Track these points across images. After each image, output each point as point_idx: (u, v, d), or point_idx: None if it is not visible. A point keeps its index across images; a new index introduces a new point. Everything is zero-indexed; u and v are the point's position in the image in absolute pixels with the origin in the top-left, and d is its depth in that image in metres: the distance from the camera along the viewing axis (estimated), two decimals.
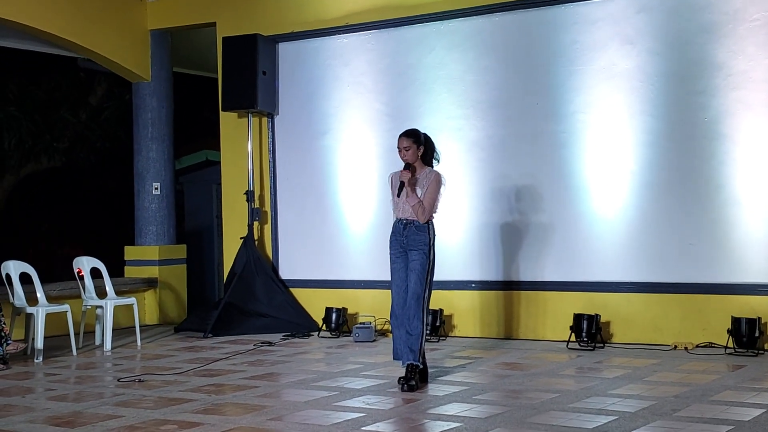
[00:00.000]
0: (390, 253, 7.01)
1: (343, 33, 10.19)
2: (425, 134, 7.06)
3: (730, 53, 8.41)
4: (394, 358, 7.03)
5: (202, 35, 11.82)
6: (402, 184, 6.86)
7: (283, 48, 10.58)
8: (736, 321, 8.05)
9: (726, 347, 8.07)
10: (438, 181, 6.91)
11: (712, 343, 8.29)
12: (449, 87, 9.62)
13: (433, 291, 7.02)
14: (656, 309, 8.65)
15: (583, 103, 9.00)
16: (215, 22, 10.97)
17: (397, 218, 7.01)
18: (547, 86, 9.17)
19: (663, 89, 8.68)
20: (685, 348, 8.31)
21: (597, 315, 8.58)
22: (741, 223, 8.36)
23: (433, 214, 6.97)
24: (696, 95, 8.53)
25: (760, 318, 8.03)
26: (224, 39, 10.55)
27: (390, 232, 7.06)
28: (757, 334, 7.97)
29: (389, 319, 7.12)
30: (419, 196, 6.87)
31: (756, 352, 7.93)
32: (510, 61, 9.36)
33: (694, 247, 8.51)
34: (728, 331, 8.07)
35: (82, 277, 9.55)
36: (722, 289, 8.36)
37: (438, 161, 7.09)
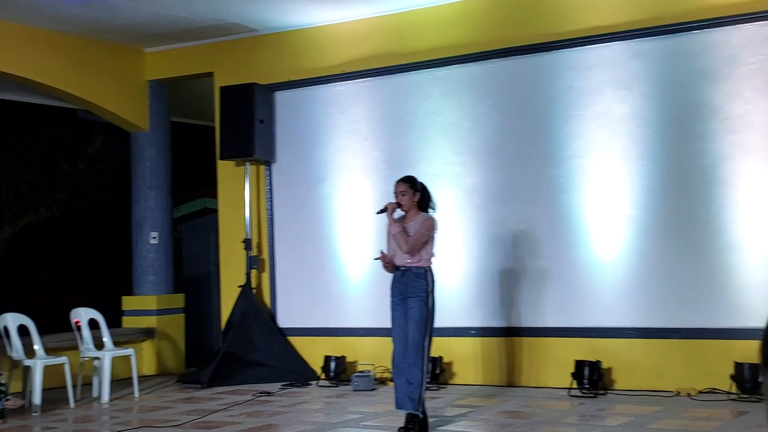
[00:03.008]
0: (390, 301, 7.01)
1: (340, 81, 10.23)
2: (422, 183, 7.10)
3: (726, 97, 8.42)
4: (396, 407, 6.97)
5: (199, 84, 11.86)
6: (384, 210, 6.95)
7: (280, 96, 10.61)
8: (738, 366, 7.98)
9: (729, 393, 7.99)
10: (429, 222, 6.95)
11: (715, 389, 8.20)
12: (446, 133, 9.63)
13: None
14: (658, 354, 8.58)
15: (580, 148, 9.00)
16: (212, 72, 11.01)
17: (395, 266, 7.00)
18: (543, 132, 9.18)
19: (660, 134, 8.68)
20: (688, 394, 8.23)
21: (598, 361, 8.51)
22: (741, 267, 8.31)
23: (431, 259, 6.98)
24: (693, 139, 8.54)
25: None
26: (222, 88, 10.58)
27: (389, 279, 7.06)
28: (760, 380, 7.88)
29: (390, 367, 7.06)
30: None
31: (759, 397, 7.83)
32: (506, 107, 9.38)
33: (694, 291, 8.46)
34: (731, 376, 7.99)
35: (79, 328, 9.50)
36: (724, 334, 8.29)
37: (434, 210, 7.11)
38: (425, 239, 6.93)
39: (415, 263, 6.93)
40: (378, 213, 7.17)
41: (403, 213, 7.06)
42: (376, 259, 7.11)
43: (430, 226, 6.96)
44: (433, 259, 7.02)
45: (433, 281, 6.96)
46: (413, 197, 7.00)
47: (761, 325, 8.14)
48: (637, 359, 8.65)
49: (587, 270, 8.90)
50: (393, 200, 7.08)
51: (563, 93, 9.08)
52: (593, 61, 8.96)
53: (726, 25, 8.42)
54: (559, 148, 9.09)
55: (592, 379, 8.44)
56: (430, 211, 7.10)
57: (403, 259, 6.94)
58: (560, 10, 9.13)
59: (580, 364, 8.51)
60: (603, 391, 8.48)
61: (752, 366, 7.92)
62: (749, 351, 8.05)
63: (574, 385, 8.49)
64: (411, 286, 6.90)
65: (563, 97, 9.08)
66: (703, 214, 8.47)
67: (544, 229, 9.11)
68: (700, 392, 8.24)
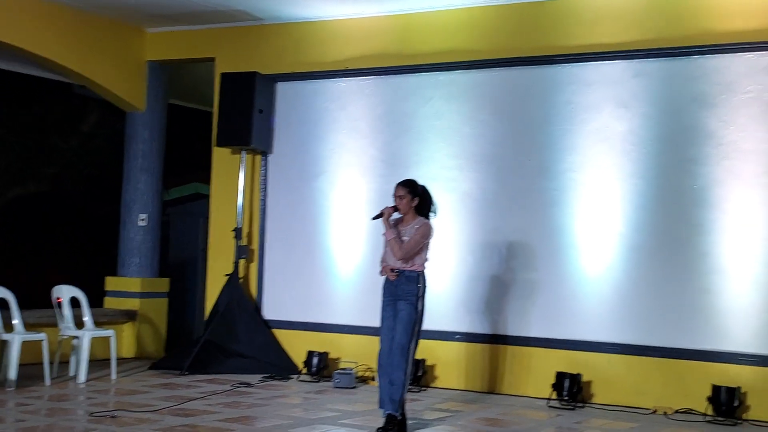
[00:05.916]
0: (381, 301, 7.04)
1: (342, 77, 10.24)
2: (423, 186, 7.13)
3: (721, 123, 8.49)
4: (379, 407, 7.00)
5: (199, 69, 11.84)
6: (380, 215, 6.94)
7: (282, 87, 10.60)
8: (716, 389, 8.06)
9: (705, 414, 8.07)
10: (425, 229, 6.96)
11: (692, 410, 8.27)
12: (445, 137, 9.67)
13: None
14: (637, 372, 8.64)
15: (576, 162, 9.05)
16: (214, 58, 10.99)
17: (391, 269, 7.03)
18: (541, 143, 9.23)
19: (654, 154, 8.75)
20: (665, 413, 8.30)
21: (579, 374, 8.58)
22: (724, 291, 8.38)
23: (425, 264, 7.02)
24: (686, 162, 8.60)
25: (739, 387, 8.04)
26: (222, 75, 10.57)
27: (379, 279, 7.09)
28: (736, 404, 7.97)
29: (373, 366, 7.09)
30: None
31: (734, 421, 7.93)
32: (506, 116, 9.42)
33: (676, 312, 8.53)
34: (708, 398, 8.07)
35: (60, 306, 9.45)
36: (703, 356, 8.36)
37: (435, 214, 7.14)
38: (420, 246, 6.96)
39: (408, 267, 6.97)
40: (373, 218, 7.16)
41: (400, 216, 7.09)
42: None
43: (426, 233, 6.98)
44: (426, 264, 7.05)
45: (424, 286, 6.99)
46: (411, 202, 7.02)
47: (740, 349, 8.26)
48: (617, 375, 8.71)
49: (574, 283, 8.96)
50: (390, 201, 7.10)
51: (562, 107, 9.14)
52: (594, 78, 9.02)
53: (727, 53, 8.49)
54: (555, 161, 9.14)
55: (571, 391, 8.51)
56: (431, 215, 7.12)
57: (396, 262, 6.97)
58: (566, 25, 9.18)
59: (560, 376, 8.58)
60: (581, 404, 8.54)
61: (729, 389, 8.00)
62: (727, 374, 8.16)
63: (554, 396, 8.55)
64: (402, 288, 6.94)
65: (562, 111, 9.14)
66: (691, 236, 8.54)
67: (535, 239, 9.16)
68: (677, 412, 8.31)
